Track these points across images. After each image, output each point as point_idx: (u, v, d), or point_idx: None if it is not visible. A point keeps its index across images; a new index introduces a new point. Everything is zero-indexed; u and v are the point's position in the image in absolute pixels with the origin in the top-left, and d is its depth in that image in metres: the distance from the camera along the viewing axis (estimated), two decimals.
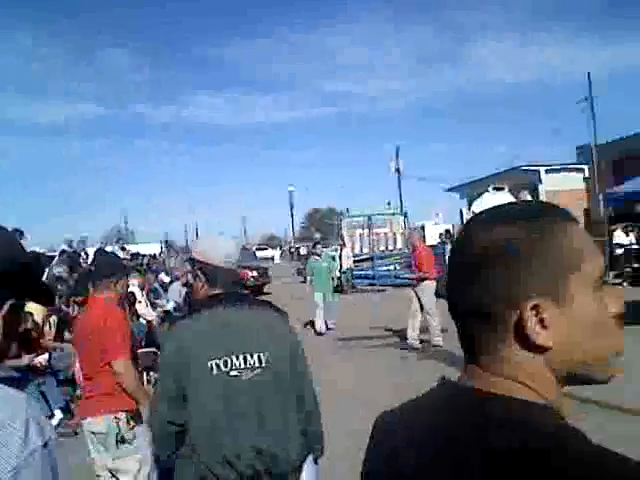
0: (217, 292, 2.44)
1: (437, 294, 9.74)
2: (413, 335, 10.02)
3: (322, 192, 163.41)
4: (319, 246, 13.66)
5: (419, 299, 9.93)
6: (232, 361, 2.29)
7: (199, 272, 2.48)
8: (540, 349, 0.73)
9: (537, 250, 0.72)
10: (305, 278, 13.95)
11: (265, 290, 22.36)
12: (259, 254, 40.69)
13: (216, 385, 2.27)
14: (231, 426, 2.26)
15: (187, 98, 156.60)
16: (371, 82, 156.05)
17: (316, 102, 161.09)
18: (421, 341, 10.00)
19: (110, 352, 3.46)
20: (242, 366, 2.30)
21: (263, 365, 2.33)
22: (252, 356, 2.32)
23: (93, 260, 10.46)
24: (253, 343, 2.34)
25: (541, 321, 0.72)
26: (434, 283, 9.91)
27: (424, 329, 10.06)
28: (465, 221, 0.83)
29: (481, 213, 0.81)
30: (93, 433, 3.51)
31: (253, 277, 21.75)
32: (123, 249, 19.20)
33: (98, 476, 3.57)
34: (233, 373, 2.29)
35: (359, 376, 8.47)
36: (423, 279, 9.84)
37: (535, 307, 0.72)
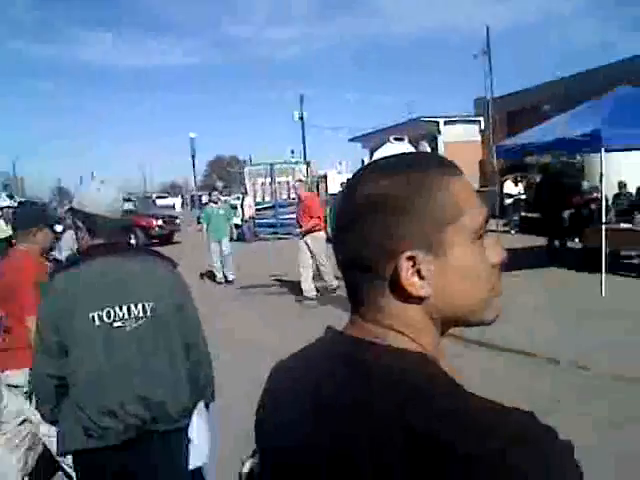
0: (98, 242, 2.36)
1: (329, 240, 9.87)
2: (307, 287, 10.02)
3: (226, 140, 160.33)
4: (215, 193, 13.41)
5: (309, 249, 9.94)
6: (115, 312, 2.26)
7: (79, 222, 2.38)
8: (417, 299, 0.74)
9: (415, 202, 0.73)
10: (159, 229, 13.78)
11: (175, 239, 21.95)
12: (159, 202, 39.62)
13: (99, 337, 2.23)
14: (115, 377, 2.24)
15: (75, 35, 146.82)
16: (274, 28, 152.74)
17: (218, 46, 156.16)
18: (317, 290, 10.08)
19: (25, 307, 3.30)
20: (126, 317, 2.28)
21: (148, 314, 2.31)
22: (136, 306, 2.30)
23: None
24: (137, 293, 2.31)
25: (418, 272, 0.73)
26: (323, 232, 9.97)
27: (318, 277, 10.14)
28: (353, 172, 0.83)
29: (369, 164, 0.81)
30: (11, 386, 3.45)
31: (159, 226, 21.21)
32: (11, 197, 18.05)
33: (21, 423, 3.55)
34: (117, 324, 2.26)
35: (259, 323, 8.55)
36: (311, 230, 9.85)
37: (412, 258, 0.73)
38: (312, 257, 9.96)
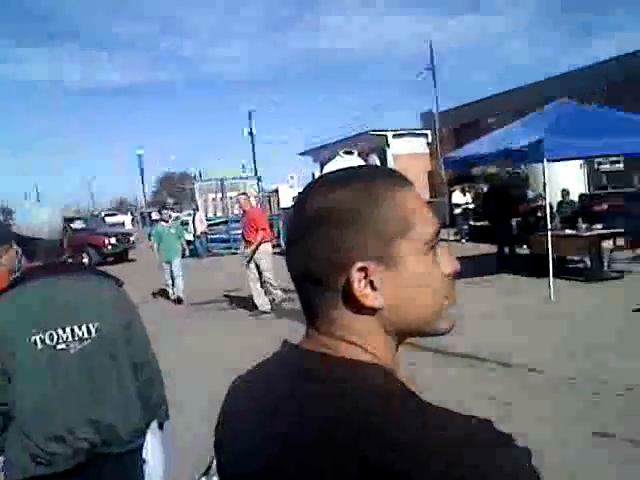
0: (37, 264, 2.29)
1: (282, 253, 9.88)
2: (260, 301, 9.90)
3: (176, 156, 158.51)
4: (165, 211, 13.19)
5: (256, 263, 9.77)
6: (58, 334, 2.19)
7: (17, 245, 2.34)
8: (369, 310, 0.74)
9: (364, 214, 0.73)
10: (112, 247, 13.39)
11: (130, 256, 21.51)
12: (109, 220, 38.82)
13: (42, 360, 2.16)
14: (61, 401, 2.18)
15: (15, 52, 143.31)
16: (222, 45, 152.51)
17: (166, 63, 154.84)
18: (272, 302, 10.00)
19: None
20: (69, 339, 2.21)
21: (93, 335, 2.25)
22: (80, 327, 2.23)
23: None
24: (80, 314, 2.25)
25: (370, 283, 0.73)
26: (270, 245, 9.86)
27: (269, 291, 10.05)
28: (304, 185, 0.83)
29: (319, 178, 0.81)
30: None
31: (112, 244, 20.69)
32: None
33: None
34: (60, 347, 2.19)
35: (214, 339, 8.45)
36: (259, 243, 9.68)
37: (363, 269, 0.72)
38: (258, 271, 9.81)
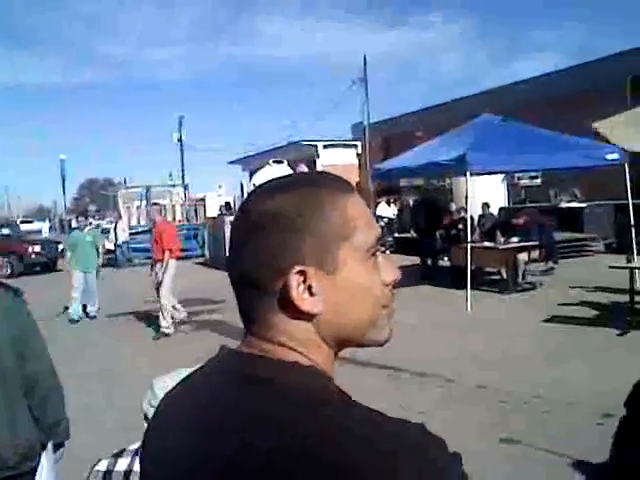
0: None
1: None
2: (164, 322, 9.12)
3: (100, 161, 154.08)
4: (82, 218, 12.43)
5: (157, 278, 9.16)
6: None
7: None
8: (307, 315, 0.73)
9: (307, 219, 0.72)
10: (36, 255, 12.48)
11: (59, 266, 19.34)
12: (24, 227, 37.16)
13: None
14: None
15: None
16: (152, 49, 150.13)
17: (92, 65, 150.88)
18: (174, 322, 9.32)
19: None
20: None
21: None
22: None
23: None
24: None
25: (309, 288, 0.72)
26: (175, 261, 9.24)
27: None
28: (247, 193, 0.80)
29: (264, 183, 0.80)
30: None
31: (37, 253, 19.30)
32: None
33: None
34: None
35: (134, 353, 8.14)
36: (166, 266, 9.03)
37: (302, 273, 0.71)
38: (156, 287, 9.18)
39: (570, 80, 19.57)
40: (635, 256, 9.37)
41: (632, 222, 10.48)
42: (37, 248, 19.60)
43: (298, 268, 0.71)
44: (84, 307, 10.94)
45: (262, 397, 0.69)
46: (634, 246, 10.17)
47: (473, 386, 5.68)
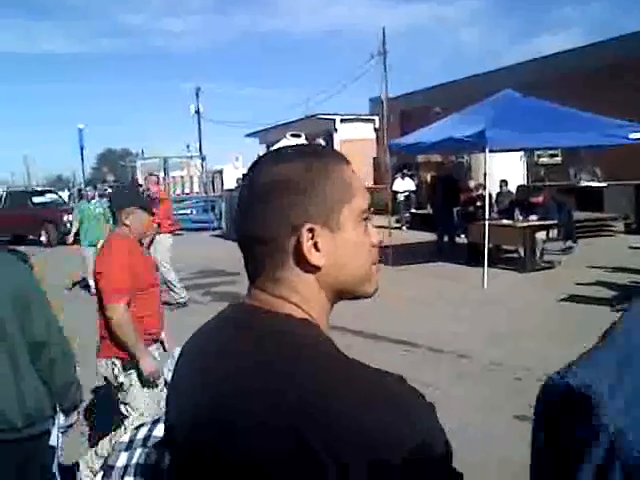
0: None
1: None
2: (178, 292, 8.93)
3: (117, 132, 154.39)
4: (89, 187, 12.08)
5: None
6: None
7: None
8: (313, 269, 0.82)
9: (315, 183, 0.82)
10: (70, 225, 11.52)
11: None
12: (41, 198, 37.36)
13: None
14: None
15: None
16: (170, 18, 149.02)
17: (109, 35, 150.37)
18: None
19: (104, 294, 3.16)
20: None
21: None
22: None
23: None
24: None
25: (315, 244, 0.81)
26: (170, 235, 8.98)
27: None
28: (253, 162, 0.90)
29: (270, 152, 0.90)
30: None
31: (71, 221, 19.08)
32: None
33: None
34: None
35: None
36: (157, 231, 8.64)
37: (311, 231, 0.81)
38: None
39: (591, 57, 19.19)
40: None
41: None
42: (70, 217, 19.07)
43: (308, 226, 0.81)
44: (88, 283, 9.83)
45: (268, 347, 0.78)
46: None
47: (487, 363, 5.69)
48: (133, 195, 3.66)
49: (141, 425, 1.89)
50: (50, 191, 22.74)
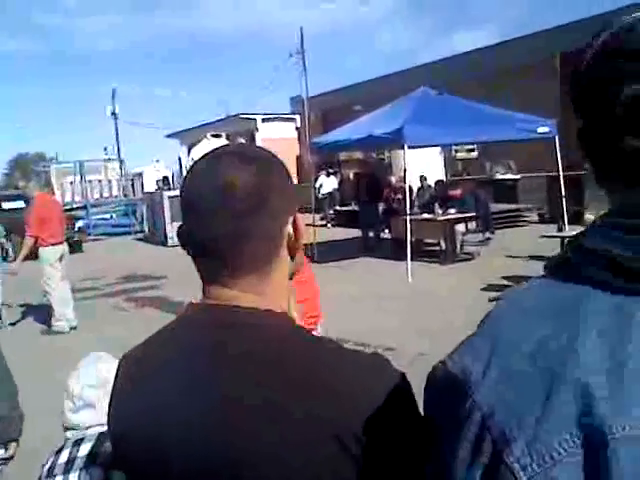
0: None
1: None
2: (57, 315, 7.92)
3: (31, 137, 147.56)
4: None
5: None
6: None
7: None
8: (287, 259, 0.90)
9: (287, 183, 0.91)
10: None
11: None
12: None
13: None
14: None
15: None
16: (83, 18, 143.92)
17: (22, 34, 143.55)
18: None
19: None
20: None
21: None
22: None
23: None
24: None
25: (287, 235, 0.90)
26: (51, 248, 7.70)
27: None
28: (193, 163, 0.90)
29: (223, 153, 0.90)
30: None
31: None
32: None
33: None
34: None
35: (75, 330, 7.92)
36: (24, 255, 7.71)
37: (293, 223, 0.89)
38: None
39: (503, 55, 19.93)
40: (566, 225, 9.76)
41: (563, 193, 10.87)
42: None
43: (290, 220, 0.89)
44: None
45: (246, 339, 0.82)
46: (565, 216, 10.58)
47: (415, 354, 5.82)
48: None
49: (78, 442, 1.82)
50: None
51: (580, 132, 0.67)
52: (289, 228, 0.89)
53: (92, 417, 1.82)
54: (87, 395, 1.85)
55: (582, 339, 0.55)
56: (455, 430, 0.59)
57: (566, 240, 0.67)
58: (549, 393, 0.54)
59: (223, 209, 0.84)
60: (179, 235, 0.90)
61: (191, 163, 0.93)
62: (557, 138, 10.54)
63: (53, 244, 7.71)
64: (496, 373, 0.58)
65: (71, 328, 7.88)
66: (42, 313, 8.16)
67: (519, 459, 0.53)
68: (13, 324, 8.51)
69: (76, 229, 17.05)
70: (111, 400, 0.92)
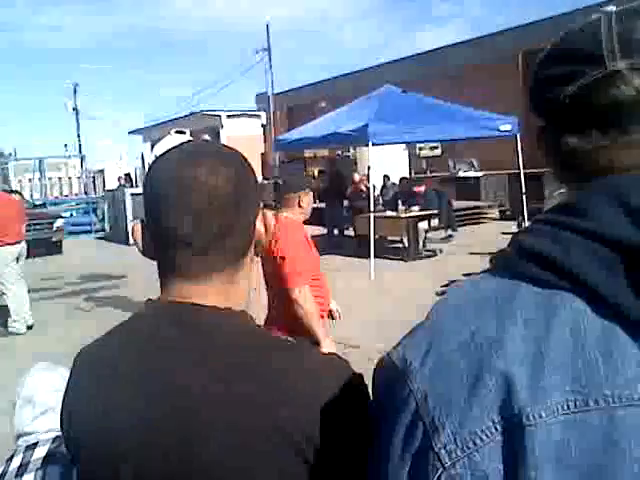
0: None
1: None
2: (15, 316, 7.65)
3: None
4: None
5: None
6: None
7: None
8: (251, 257, 0.92)
9: (256, 186, 0.92)
10: None
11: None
12: None
13: None
14: None
15: None
16: (42, 12, 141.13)
17: None
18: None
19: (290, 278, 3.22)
20: None
21: None
22: None
23: None
24: None
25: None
26: (7, 247, 7.47)
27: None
28: (161, 159, 0.88)
29: (194, 151, 0.89)
30: None
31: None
32: None
33: None
34: None
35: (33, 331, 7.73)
36: None
37: (262, 219, 0.91)
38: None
39: (467, 53, 20.16)
40: (526, 222, 9.89)
41: (524, 190, 11.04)
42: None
43: (259, 218, 0.91)
44: None
45: (206, 338, 0.81)
46: (525, 212, 10.74)
47: (374, 351, 5.83)
48: (305, 179, 3.90)
49: (32, 446, 1.75)
50: None
51: (538, 130, 0.70)
52: (259, 225, 0.91)
53: (52, 422, 1.75)
54: (50, 399, 1.79)
55: (509, 330, 0.58)
56: (392, 417, 0.62)
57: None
58: (475, 382, 0.57)
59: (207, 205, 0.84)
60: (144, 229, 0.90)
61: (154, 159, 0.91)
62: (518, 136, 10.68)
63: (9, 244, 7.51)
64: (432, 362, 0.61)
65: (28, 327, 7.69)
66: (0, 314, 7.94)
67: (445, 445, 0.56)
68: None
69: (54, 229, 14.95)
70: (64, 399, 0.90)
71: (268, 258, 3.20)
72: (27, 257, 7.65)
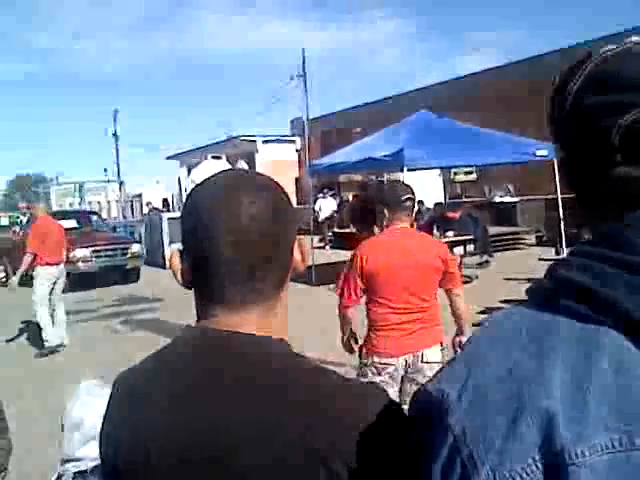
0: None
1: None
2: (48, 334, 7.84)
3: (32, 158, 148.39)
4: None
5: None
6: None
7: None
8: (286, 287, 0.92)
9: (293, 211, 0.93)
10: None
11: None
12: None
13: None
14: None
15: None
16: (86, 41, 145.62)
17: (22, 57, 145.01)
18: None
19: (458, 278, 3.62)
20: None
21: None
22: None
23: None
24: None
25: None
26: (49, 268, 7.80)
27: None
28: (201, 188, 0.89)
29: (233, 185, 0.88)
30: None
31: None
32: None
33: None
34: None
35: (67, 351, 7.86)
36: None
37: (299, 247, 0.92)
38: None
39: (505, 77, 20.10)
40: (564, 248, 9.72)
41: (561, 216, 10.87)
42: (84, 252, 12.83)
43: (296, 245, 0.92)
44: None
45: (244, 366, 0.81)
46: (563, 239, 10.56)
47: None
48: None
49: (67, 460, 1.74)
50: None
51: (563, 162, 0.69)
52: (296, 253, 0.92)
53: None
54: (99, 424, 1.77)
55: (548, 366, 0.57)
56: (431, 451, 0.61)
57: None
58: (515, 419, 0.55)
59: (250, 235, 0.85)
60: (181, 256, 0.89)
61: (192, 185, 0.96)
62: (556, 161, 10.54)
63: (49, 264, 7.80)
64: (469, 397, 0.60)
65: (59, 346, 7.85)
66: (37, 333, 8.10)
67: None
68: (10, 340, 8.51)
69: (129, 255, 13.47)
70: (103, 424, 0.91)
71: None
72: (102, 285, 7.85)
